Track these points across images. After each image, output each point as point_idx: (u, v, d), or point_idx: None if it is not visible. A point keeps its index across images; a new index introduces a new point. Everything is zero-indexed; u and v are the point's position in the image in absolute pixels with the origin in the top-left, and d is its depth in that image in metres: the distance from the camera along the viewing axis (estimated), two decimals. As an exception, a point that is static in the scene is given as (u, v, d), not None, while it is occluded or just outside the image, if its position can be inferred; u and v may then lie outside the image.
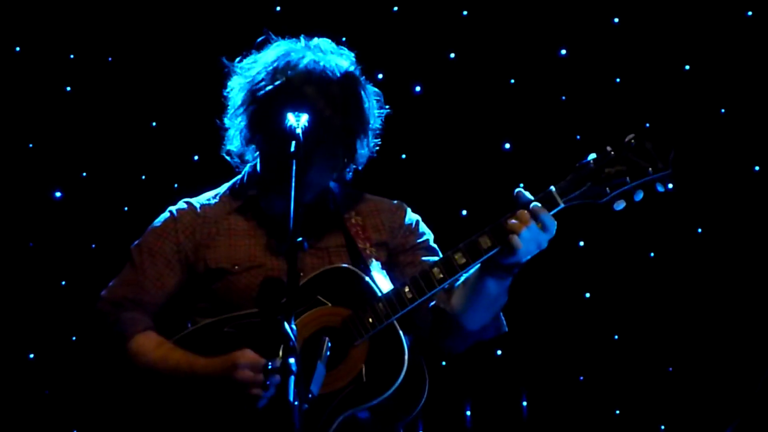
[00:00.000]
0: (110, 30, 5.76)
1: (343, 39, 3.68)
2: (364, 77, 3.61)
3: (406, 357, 3.32)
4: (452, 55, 5.84)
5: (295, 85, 3.49)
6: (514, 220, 3.30)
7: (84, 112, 5.77)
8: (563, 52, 5.79)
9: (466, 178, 5.75)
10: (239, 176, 3.70)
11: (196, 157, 5.73)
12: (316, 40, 3.61)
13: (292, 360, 2.85)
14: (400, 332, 3.37)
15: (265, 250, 3.55)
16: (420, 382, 3.38)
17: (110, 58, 5.79)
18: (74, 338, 5.66)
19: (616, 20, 5.77)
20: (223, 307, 3.49)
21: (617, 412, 5.73)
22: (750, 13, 5.67)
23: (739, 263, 5.64)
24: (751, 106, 5.65)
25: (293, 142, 3.14)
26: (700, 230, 5.72)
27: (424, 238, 3.65)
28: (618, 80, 5.74)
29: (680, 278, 5.69)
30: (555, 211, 3.33)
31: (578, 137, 5.66)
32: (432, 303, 3.48)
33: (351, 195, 3.69)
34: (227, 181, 3.73)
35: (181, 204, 3.67)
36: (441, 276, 3.36)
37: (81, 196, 5.75)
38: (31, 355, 5.70)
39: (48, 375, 5.67)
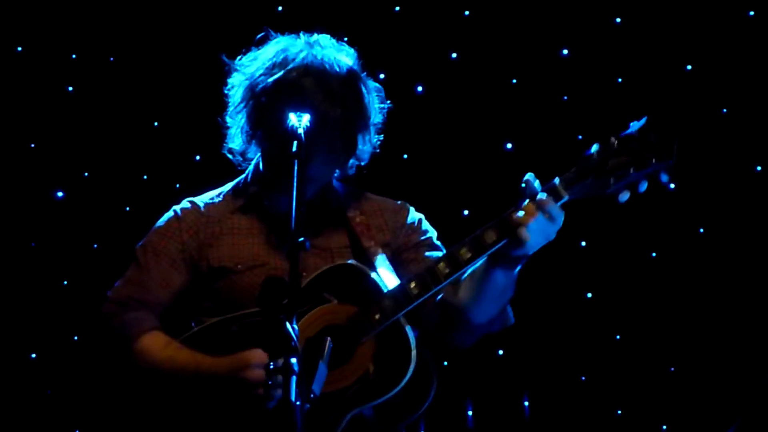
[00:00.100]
0: (112, 30, 5.77)
1: (345, 39, 3.68)
2: (365, 73, 3.61)
3: (414, 353, 3.31)
4: (454, 55, 5.84)
5: (293, 79, 3.49)
6: (520, 213, 3.28)
7: (86, 112, 5.77)
8: (565, 52, 5.79)
9: (468, 178, 5.75)
10: (243, 175, 3.70)
11: (197, 157, 5.73)
12: (315, 36, 3.61)
13: (293, 360, 2.84)
14: (407, 329, 3.35)
15: (269, 249, 3.55)
16: (428, 379, 3.36)
17: (112, 58, 5.79)
18: (76, 338, 5.66)
19: (618, 20, 5.77)
20: (226, 306, 3.48)
21: (619, 412, 5.72)
22: (752, 13, 5.67)
23: (740, 263, 5.64)
24: (752, 106, 5.65)
25: (295, 142, 3.13)
26: (701, 230, 5.72)
27: (428, 235, 3.64)
28: (620, 80, 5.74)
29: (682, 278, 5.69)
30: (561, 203, 3.30)
31: (580, 137, 5.65)
32: (438, 297, 3.46)
33: (354, 194, 3.69)
34: (229, 180, 3.73)
35: (185, 203, 3.67)
36: (447, 271, 3.34)
37: (83, 196, 5.75)
38: (33, 355, 5.70)
39: (50, 375, 5.67)
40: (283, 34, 3.64)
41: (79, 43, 5.78)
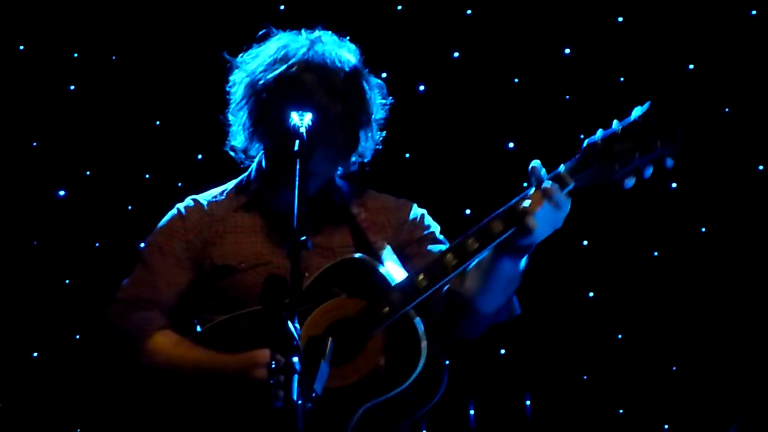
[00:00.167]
0: (114, 29, 5.77)
1: (347, 38, 3.68)
2: (367, 69, 3.61)
3: (424, 344, 3.30)
4: (456, 54, 5.83)
5: (294, 74, 3.48)
6: (527, 202, 3.27)
7: (88, 111, 5.77)
8: (567, 51, 5.79)
9: (469, 177, 5.75)
10: (246, 173, 3.70)
11: (199, 156, 5.73)
12: (317, 33, 3.61)
13: (295, 359, 2.84)
14: (416, 320, 3.34)
15: (272, 248, 3.55)
16: (439, 370, 3.35)
17: (114, 57, 5.79)
18: (78, 337, 5.66)
19: (620, 19, 5.77)
20: (230, 305, 3.48)
21: (621, 411, 5.72)
22: (754, 12, 5.66)
23: (742, 263, 5.63)
24: (754, 105, 5.65)
25: (297, 141, 3.13)
26: (703, 229, 5.72)
27: (430, 230, 3.63)
28: (622, 79, 5.74)
29: (684, 277, 5.69)
30: (566, 190, 3.29)
31: (582, 136, 5.64)
32: (445, 288, 3.45)
33: (358, 191, 3.69)
34: (232, 179, 3.73)
35: (188, 201, 3.67)
36: (455, 262, 3.33)
37: (85, 194, 5.75)
38: (35, 354, 5.70)
39: (51, 374, 5.67)
40: (284, 31, 3.64)
41: (81, 42, 5.78)
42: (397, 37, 5.75)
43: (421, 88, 5.81)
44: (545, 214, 3.26)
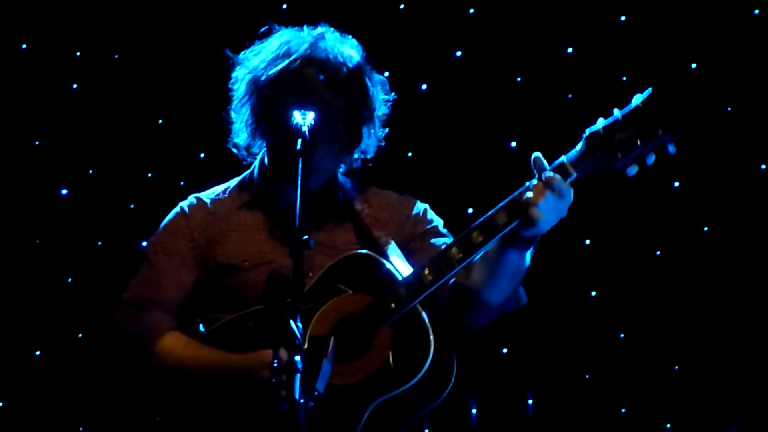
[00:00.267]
0: (116, 27, 5.77)
1: (349, 36, 3.67)
2: (369, 65, 3.60)
3: (432, 339, 3.29)
4: (458, 53, 5.83)
5: (296, 69, 3.48)
6: (529, 193, 3.27)
7: (90, 110, 5.77)
8: (570, 50, 5.79)
9: (472, 176, 5.74)
10: (248, 171, 3.69)
11: (202, 155, 5.73)
12: (319, 29, 3.60)
13: (297, 358, 2.83)
14: (423, 315, 3.33)
15: (275, 247, 3.54)
16: (448, 363, 3.34)
17: (116, 56, 5.79)
18: (80, 335, 5.66)
19: (623, 18, 5.76)
20: (234, 304, 3.47)
21: (623, 410, 5.72)
22: (757, 11, 5.66)
23: (745, 262, 5.63)
24: (757, 104, 5.64)
25: (299, 140, 3.12)
26: (706, 228, 5.72)
27: (434, 224, 3.63)
28: (624, 78, 5.73)
29: (686, 277, 5.68)
30: (569, 180, 3.29)
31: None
32: (451, 281, 3.44)
33: (360, 188, 3.68)
34: (235, 176, 3.72)
35: (191, 199, 3.66)
36: (460, 255, 3.33)
37: (87, 193, 5.75)
38: (37, 353, 5.70)
39: (54, 372, 5.67)
40: (286, 27, 3.64)
41: (83, 41, 5.78)
42: (400, 36, 5.75)
43: (424, 86, 5.81)
44: (548, 204, 3.26)
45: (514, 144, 5.77)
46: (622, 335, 5.73)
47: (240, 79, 3.60)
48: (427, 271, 3.35)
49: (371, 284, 3.38)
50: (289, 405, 2.80)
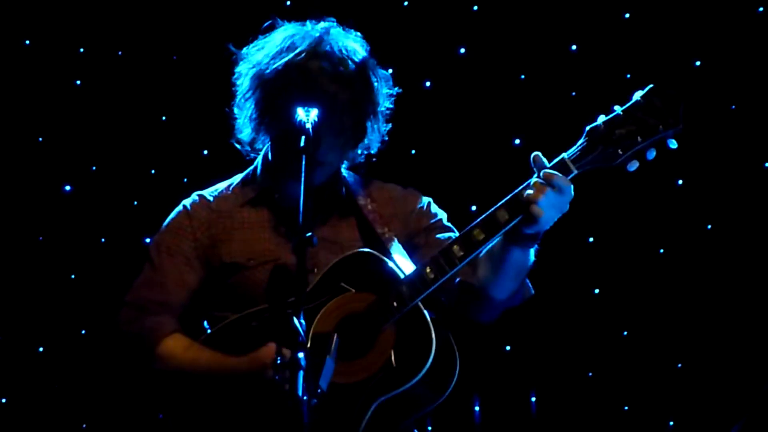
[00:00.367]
0: (120, 24, 5.76)
1: (354, 31, 3.67)
2: (373, 60, 3.59)
3: (434, 337, 3.29)
4: (462, 51, 5.83)
5: (301, 62, 3.47)
6: (530, 191, 3.28)
7: (94, 107, 5.77)
8: (573, 47, 5.78)
9: (475, 173, 5.74)
10: (252, 167, 3.68)
11: (205, 152, 5.73)
12: (323, 23, 3.59)
13: (300, 355, 2.83)
14: (426, 313, 3.34)
15: (280, 244, 3.53)
16: (451, 361, 3.34)
17: (120, 52, 5.79)
18: (83, 332, 5.66)
19: (627, 15, 5.75)
20: (239, 302, 3.47)
21: (626, 408, 5.72)
22: (761, 9, 5.65)
23: (748, 260, 5.63)
24: (761, 102, 5.64)
25: (303, 137, 3.11)
26: (709, 227, 5.71)
27: (438, 218, 3.63)
28: (628, 76, 5.73)
29: (689, 275, 5.68)
30: (570, 177, 3.30)
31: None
32: (457, 279, 3.45)
33: (364, 182, 3.67)
34: (238, 173, 3.71)
35: (194, 197, 3.65)
36: (461, 253, 3.34)
37: (90, 190, 5.75)
38: (41, 349, 5.70)
39: (57, 369, 5.67)
40: (290, 22, 3.63)
41: (86, 37, 5.77)
42: (404, 33, 5.74)
43: (428, 84, 5.80)
44: (549, 200, 3.27)
45: (517, 141, 5.77)
46: (625, 333, 5.73)
47: (244, 74, 3.59)
48: (428, 270, 3.35)
49: (374, 283, 3.38)
50: (292, 402, 2.79)
